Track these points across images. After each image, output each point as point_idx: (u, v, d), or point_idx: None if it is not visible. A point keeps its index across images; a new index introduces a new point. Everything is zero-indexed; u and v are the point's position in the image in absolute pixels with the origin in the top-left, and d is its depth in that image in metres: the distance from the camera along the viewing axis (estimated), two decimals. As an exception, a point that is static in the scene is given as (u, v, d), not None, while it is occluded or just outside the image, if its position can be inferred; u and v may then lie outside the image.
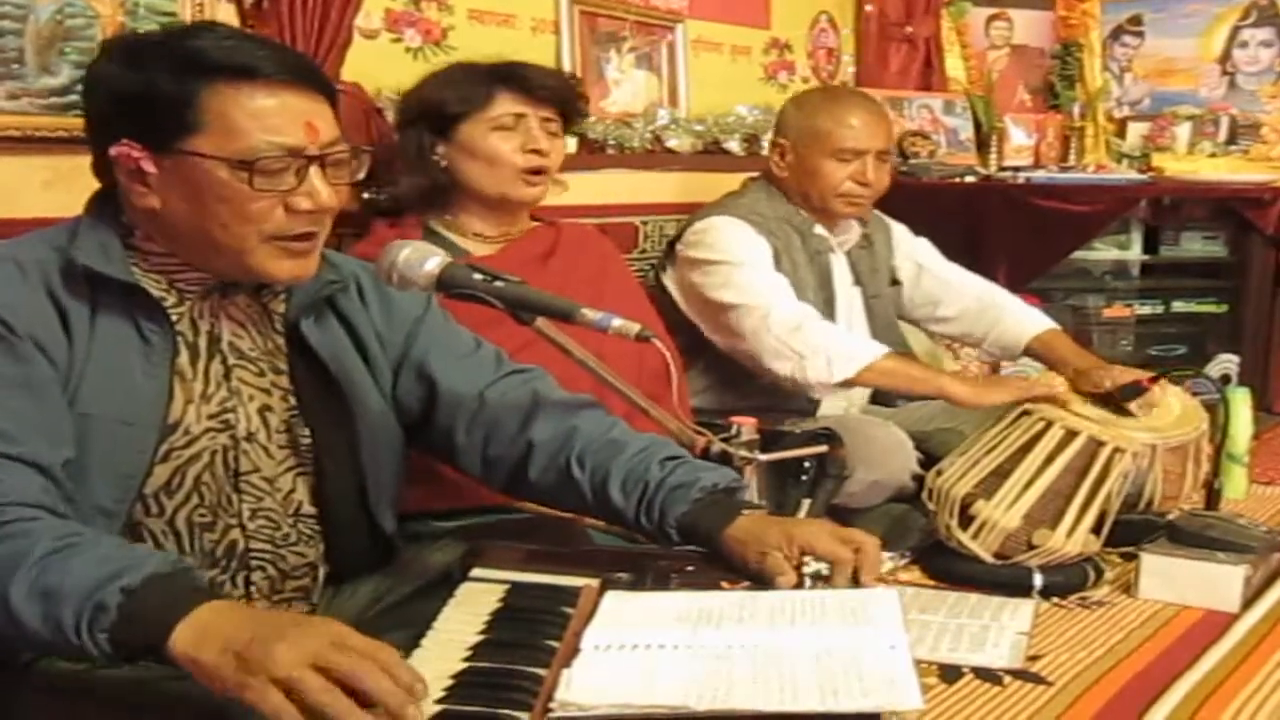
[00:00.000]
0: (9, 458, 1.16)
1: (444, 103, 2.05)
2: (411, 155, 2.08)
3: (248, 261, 1.30)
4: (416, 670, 0.98)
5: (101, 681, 1.16)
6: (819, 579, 1.29)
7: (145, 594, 1.04)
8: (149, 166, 1.26)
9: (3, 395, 1.18)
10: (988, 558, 1.46)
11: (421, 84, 2.11)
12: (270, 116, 1.26)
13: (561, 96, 2.12)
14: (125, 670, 1.17)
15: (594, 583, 1.27)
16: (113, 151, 1.27)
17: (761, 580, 1.30)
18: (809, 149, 2.46)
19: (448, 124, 2.05)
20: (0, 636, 1.11)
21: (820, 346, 2.21)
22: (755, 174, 2.63)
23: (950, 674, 1.19)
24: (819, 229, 2.51)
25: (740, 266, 2.34)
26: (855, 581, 1.29)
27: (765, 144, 3.18)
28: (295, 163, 1.27)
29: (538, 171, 2.06)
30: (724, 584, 1.31)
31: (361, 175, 1.36)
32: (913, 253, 2.66)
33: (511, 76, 2.07)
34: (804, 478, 1.76)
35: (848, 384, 2.24)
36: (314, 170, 1.29)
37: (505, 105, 2.04)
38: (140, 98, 1.25)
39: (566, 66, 2.80)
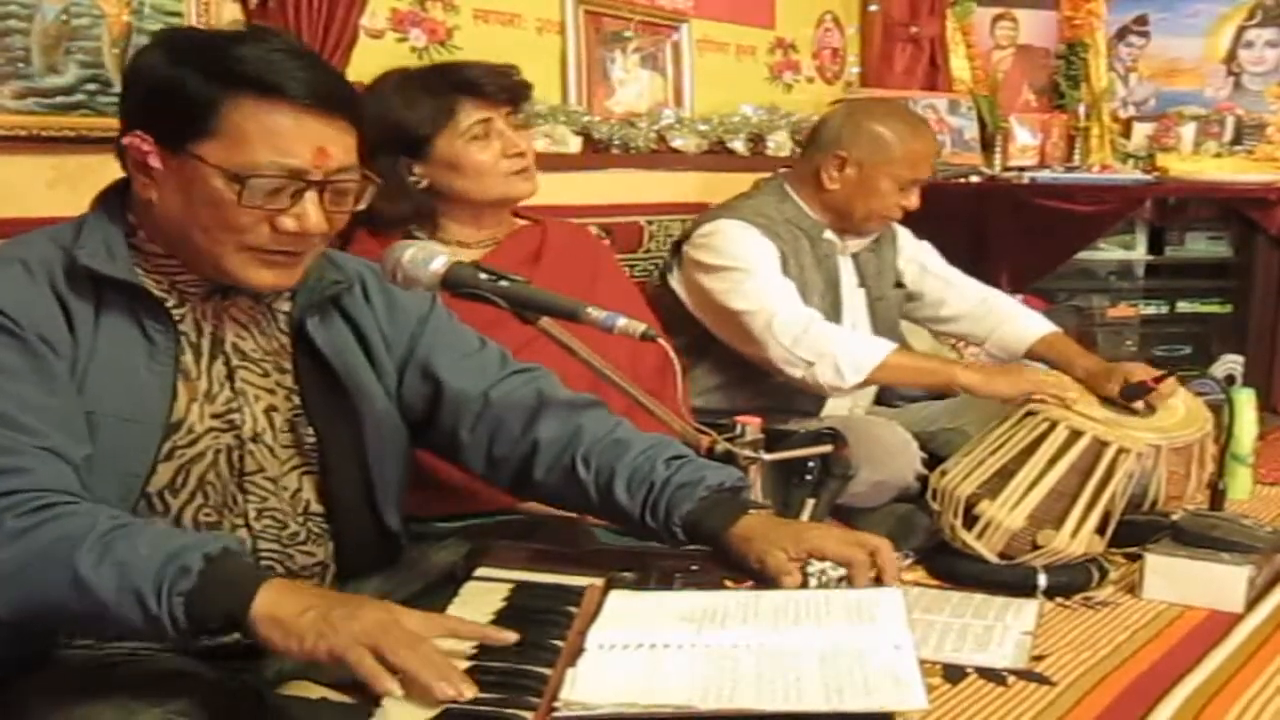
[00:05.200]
0: (42, 449, 1.17)
1: (411, 125, 2.00)
2: (391, 183, 1.93)
3: (224, 266, 1.29)
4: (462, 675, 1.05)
5: (105, 681, 1.16)
6: (838, 580, 1.29)
7: (224, 562, 1.10)
8: (155, 162, 1.26)
9: (25, 391, 1.19)
10: (992, 558, 1.47)
11: (379, 108, 2.00)
12: (282, 137, 1.25)
13: (514, 92, 2.07)
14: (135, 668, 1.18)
15: (598, 582, 1.27)
16: (124, 140, 1.27)
17: (766, 579, 1.30)
18: (877, 169, 2.40)
19: (420, 144, 2.00)
20: (28, 622, 1.15)
21: (826, 351, 2.21)
22: (768, 175, 2.61)
23: (954, 674, 1.19)
24: (828, 234, 2.50)
25: (747, 272, 2.33)
26: (878, 581, 1.29)
27: (771, 144, 3.19)
28: (293, 185, 1.26)
29: (524, 169, 2.05)
30: (728, 583, 1.31)
31: (364, 205, 1.36)
32: (916, 255, 2.66)
33: (465, 83, 2.02)
34: (808, 477, 1.76)
35: (860, 385, 2.25)
36: (310, 195, 1.27)
37: (470, 114, 2.00)
38: (166, 94, 1.25)
39: (572, 66, 2.80)
